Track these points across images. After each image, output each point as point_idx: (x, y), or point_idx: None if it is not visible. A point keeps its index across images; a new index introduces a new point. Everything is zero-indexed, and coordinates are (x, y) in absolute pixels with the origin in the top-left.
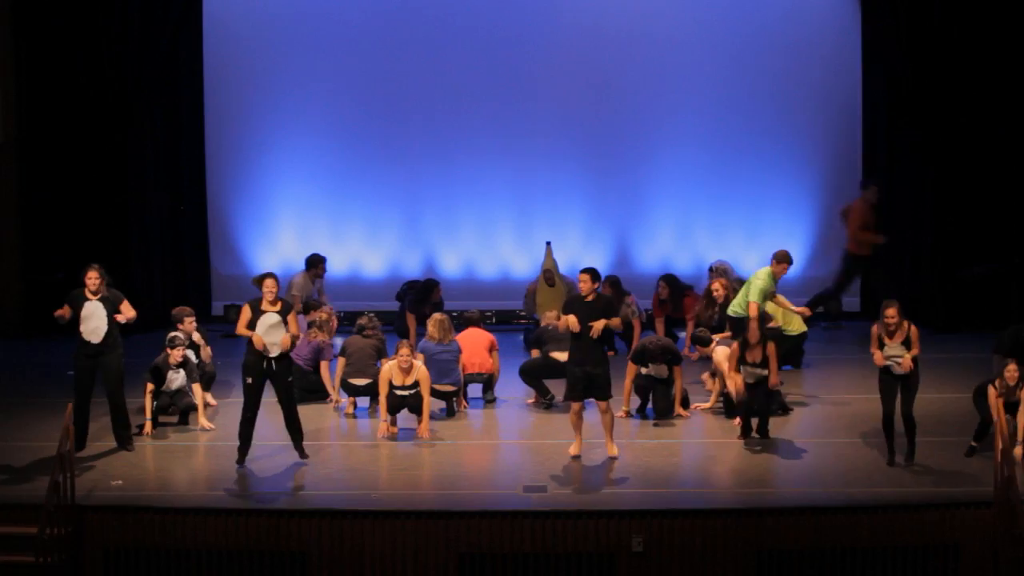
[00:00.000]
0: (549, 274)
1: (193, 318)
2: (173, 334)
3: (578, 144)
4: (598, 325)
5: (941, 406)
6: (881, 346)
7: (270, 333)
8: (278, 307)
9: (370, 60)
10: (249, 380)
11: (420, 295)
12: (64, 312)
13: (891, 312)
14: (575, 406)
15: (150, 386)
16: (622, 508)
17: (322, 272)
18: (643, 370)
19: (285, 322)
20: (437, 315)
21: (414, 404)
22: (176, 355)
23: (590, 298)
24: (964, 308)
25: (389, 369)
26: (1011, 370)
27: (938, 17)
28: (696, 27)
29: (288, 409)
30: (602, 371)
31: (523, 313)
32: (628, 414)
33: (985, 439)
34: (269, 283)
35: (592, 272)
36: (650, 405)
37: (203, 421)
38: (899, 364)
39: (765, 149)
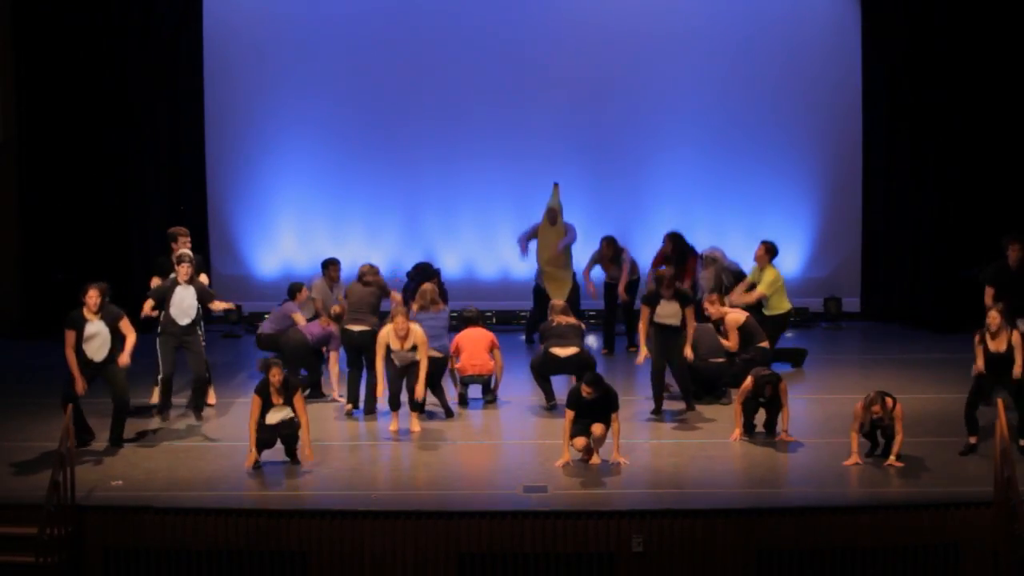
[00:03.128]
0: (552, 213)
1: (188, 238)
2: (182, 251)
3: (578, 144)
4: (597, 431)
5: (941, 406)
6: (863, 429)
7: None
8: (283, 407)
9: (370, 60)
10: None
11: (417, 282)
12: (72, 346)
13: (876, 409)
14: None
15: (149, 302)
16: (622, 508)
17: (335, 275)
18: (655, 317)
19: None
20: (424, 285)
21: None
22: (184, 271)
23: (591, 398)
24: (964, 308)
25: (386, 334)
26: (992, 315)
27: (938, 17)
28: (695, 28)
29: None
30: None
31: (524, 313)
32: (647, 355)
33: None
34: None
35: (595, 383)
36: (664, 406)
37: (220, 304)
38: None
39: (765, 149)
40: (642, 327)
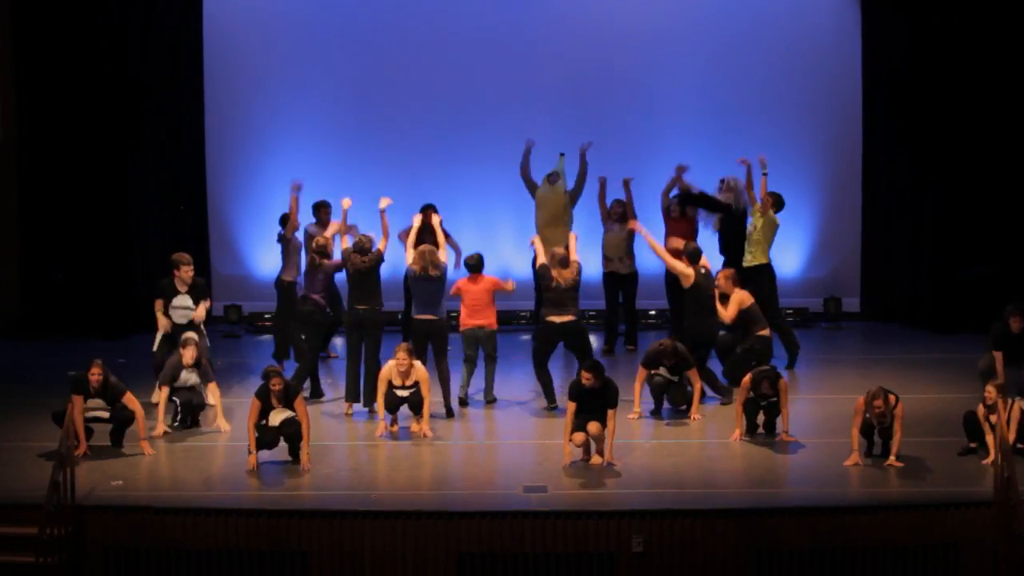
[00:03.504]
0: (554, 175)
1: (191, 267)
2: (186, 335)
3: (577, 144)
4: (593, 429)
5: (941, 406)
6: (863, 427)
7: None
8: (283, 410)
9: (371, 60)
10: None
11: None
12: (79, 416)
13: (879, 403)
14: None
15: (165, 389)
16: (622, 508)
17: (325, 217)
18: (653, 372)
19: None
20: (421, 247)
21: (414, 402)
22: (188, 355)
23: (591, 386)
24: (964, 308)
25: (388, 371)
26: (989, 390)
27: (939, 17)
28: (694, 28)
29: (293, 448)
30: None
31: (524, 314)
32: (640, 415)
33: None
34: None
35: (594, 370)
36: (665, 405)
37: (220, 422)
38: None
39: (764, 149)
40: (637, 387)
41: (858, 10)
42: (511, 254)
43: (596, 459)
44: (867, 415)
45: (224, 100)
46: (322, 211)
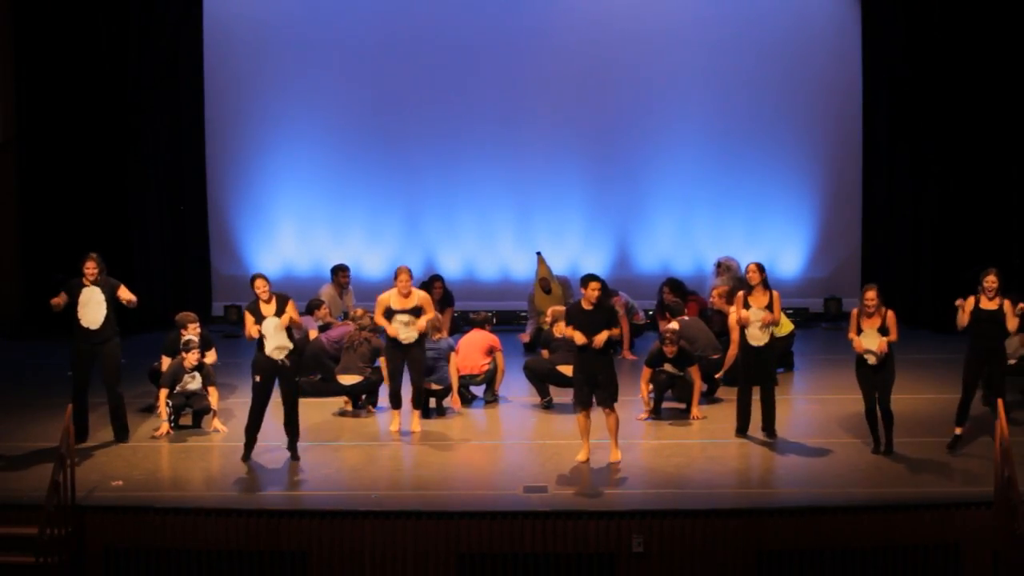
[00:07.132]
0: (545, 282)
1: (197, 324)
2: (187, 338)
3: (578, 145)
4: (599, 338)
5: (941, 406)
6: (859, 332)
7: (275, 338)
8: (273, 304)
9: (371, 60)
10: (258, 378)
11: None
12: (60, 300)
13: (871, 295)
14: (582, 412)
15: (164, 390)
16: (622, 508)
17: (343, 281)
18: (657, 369)
19: (283, 316)
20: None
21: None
22: (191, 359)
23: (591, 307)
24: None
25: (388, 296)
26: (990, 280)
27: (938, 18)
28: (696, 29)
29: (290, 407)
30: (607, 377)
31: (525, 314)
32: (649, 413)
33: (966, 422)
34: (259, 283)
35: (596, 278)
36: (665, 405)
37: (216, 423)
38: (874, 357)
39: (765, 150)
40: (643, 386)
41: (858, 11)
42: (511, 254)
43: (616, 454)
44: (860, 317)
45: (224, 100)
46: (340, 274)
